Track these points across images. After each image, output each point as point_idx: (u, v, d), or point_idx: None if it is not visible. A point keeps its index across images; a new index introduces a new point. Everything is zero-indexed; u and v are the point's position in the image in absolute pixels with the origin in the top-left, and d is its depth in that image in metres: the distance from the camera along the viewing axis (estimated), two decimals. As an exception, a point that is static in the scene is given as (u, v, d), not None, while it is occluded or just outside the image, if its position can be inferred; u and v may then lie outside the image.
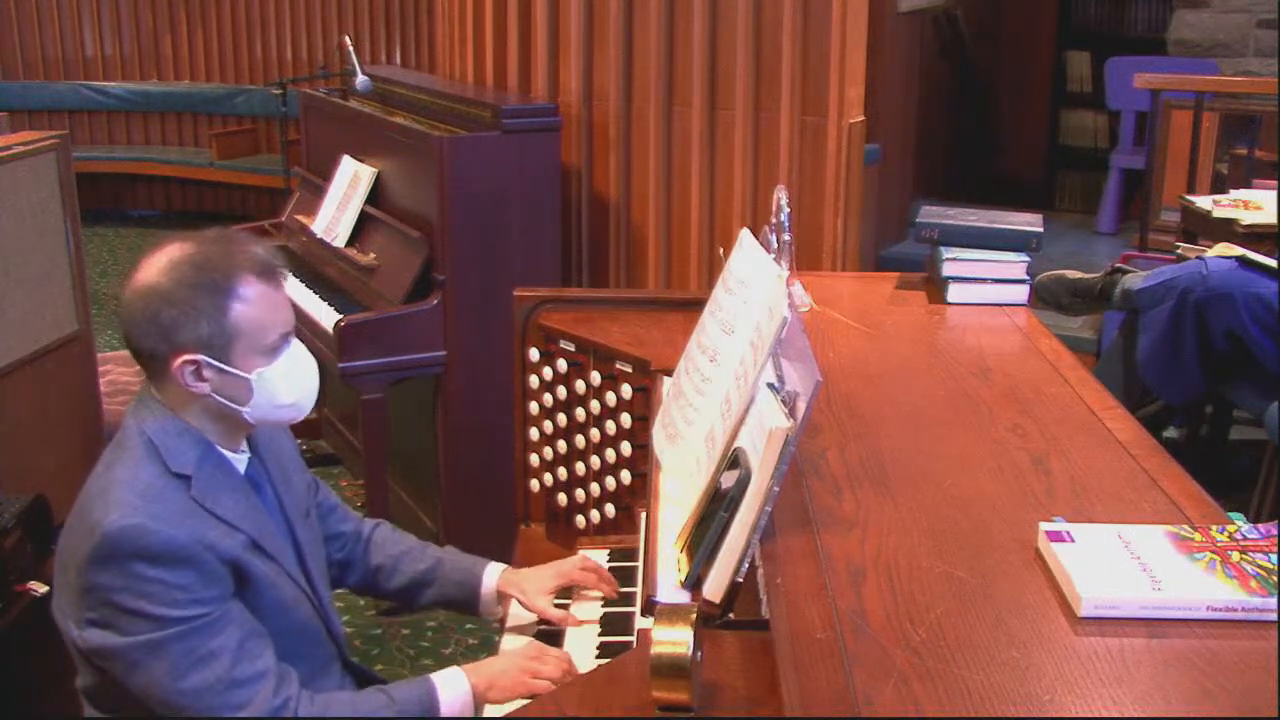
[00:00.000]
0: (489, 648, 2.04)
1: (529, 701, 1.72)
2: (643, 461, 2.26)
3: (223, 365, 1.67)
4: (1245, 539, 1.37)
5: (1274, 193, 3.78)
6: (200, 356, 1.65)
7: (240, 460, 1.77)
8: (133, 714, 1.70)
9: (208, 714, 1.61)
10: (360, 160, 3.79)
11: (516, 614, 2.03)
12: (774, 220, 2.16)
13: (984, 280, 2.44)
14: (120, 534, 1.57)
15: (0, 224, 2.95)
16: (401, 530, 2.12)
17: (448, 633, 3.31)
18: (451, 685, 1.76)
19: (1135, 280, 3.43)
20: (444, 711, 1.74)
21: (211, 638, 1.61)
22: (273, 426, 1.83)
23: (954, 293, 2.44)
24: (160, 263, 1.67)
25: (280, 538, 1.78)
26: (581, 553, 2.12)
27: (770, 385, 1.58)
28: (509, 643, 1.97)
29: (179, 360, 1.65)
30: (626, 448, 2.33)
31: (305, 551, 1.83)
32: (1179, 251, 3.86)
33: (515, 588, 1.99)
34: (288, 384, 1.72)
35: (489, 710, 1.78)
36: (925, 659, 1.18)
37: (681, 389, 1.88)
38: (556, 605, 1.98)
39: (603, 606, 2.00)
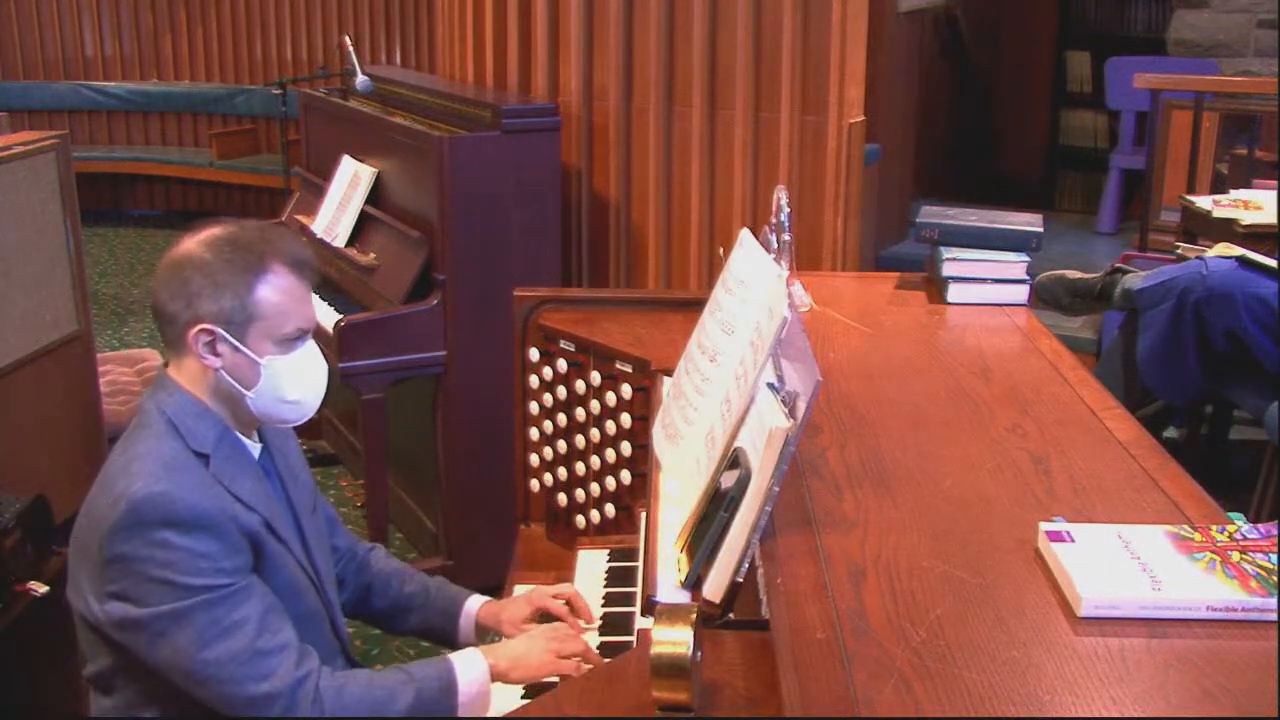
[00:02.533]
0: (489, 647, 2.03)
1: (529, 701, 1.72)
2: (643, 461, 2.26)
3: (236, 342, 1.70)
4: (1245, 539, 1.37)
5: (1274, 193, 3.78)
6: (217, 329, 1.69)
7: (254, 447, 1.81)
8: (143, 700, 1.70)
9: (231, 684, 1.62)
10: (360, 160, 3.79)
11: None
12: (774, 220, 2.16)
13: (984, 280, 2.44)
14: (146, 500, 1.60)
15: (0, 224, 2.94)
16: (395, 558, 2.14)
17: (448, 633, 3.30)
18: (470, 665, 1.77)
19: (1135, 280, 3.42)
20: (462, 690, 1.75)
21: (235, 609, 1.63)
22: (276, 424, 1.84)
23: (954, 293, 2.44)
24: (201, 235, 1.73)
25: (290, 527, 1.80)
26: (560, 585, 2.03)
27: (770, 385, 1.58)
28: None
29: (196, 328, 1.69)
30: (626, 448, 2.33)
31: (311, 545, 1.85)
32: (1179, 251, 3.86)
33: (493, 619, 2.00)
34: (296, 379, 1.75)
35: (489, 710, 1.78)
36: (925, 659, 1.18)
37: (681, 389, 1.88)
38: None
39: (602, 606, 2.00)
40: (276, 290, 1.71)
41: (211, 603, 1.61)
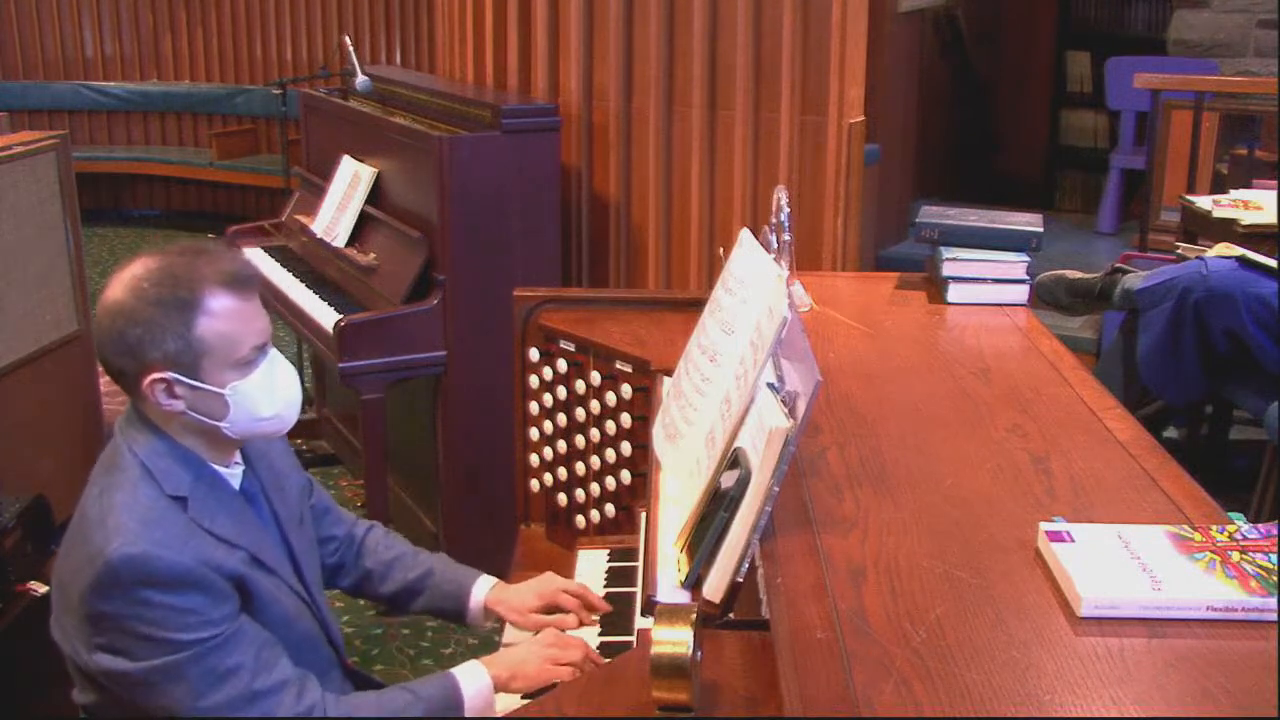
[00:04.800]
0: (490, 648, 2.04)
1: (529, 701, 1.72)
2: (643, 461, 2.26)
3: (193, 382, 1.62)
4: (1245, 539, 1.37)
5: (1274, 193, 3.77)
6: (169, 374, 1.61)
7: (234, 475, 1.75)
8: None
9: None
10: (360, 160, 3.79)
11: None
12: (774, 220, 2.16)
13: (984, 280, 2.44)
14: (124, 563, 1.55)
15: (0, 224, 2.95)
16: (395, 534, 2.11)
17: (448, 633, 3.31)
18: (473, 678, 1.76)
19: (1135, 280, 3.42)
20: (467, 704, 1.74)
21: (228, 655, 1.60)
22: (259, 440, 1.78)
23: (954, 293, 2.44)
24: (126, 279, 1.63)
25: (277, 550, 1.77)
26: (574, 581, 2.06)
27: (770, 385, 1.58)
28: (510, 635, 1.97)
29: (149, 379, 1.62)
30: (626, 448, 2.33)
31: (301, 561, 1.82)
32: (1179, 251, 3.86)
33: (501, 604, 1.98)
34: (265, 396, 1.68)
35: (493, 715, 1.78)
36: (925, 659, 1.18)
37: (681, 389, 1.88)
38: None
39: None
40: (218, 319, 1.61)
41: (202, 655, 1.58)
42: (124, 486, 1.62)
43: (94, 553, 1.57)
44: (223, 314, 1.62)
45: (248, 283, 1.66)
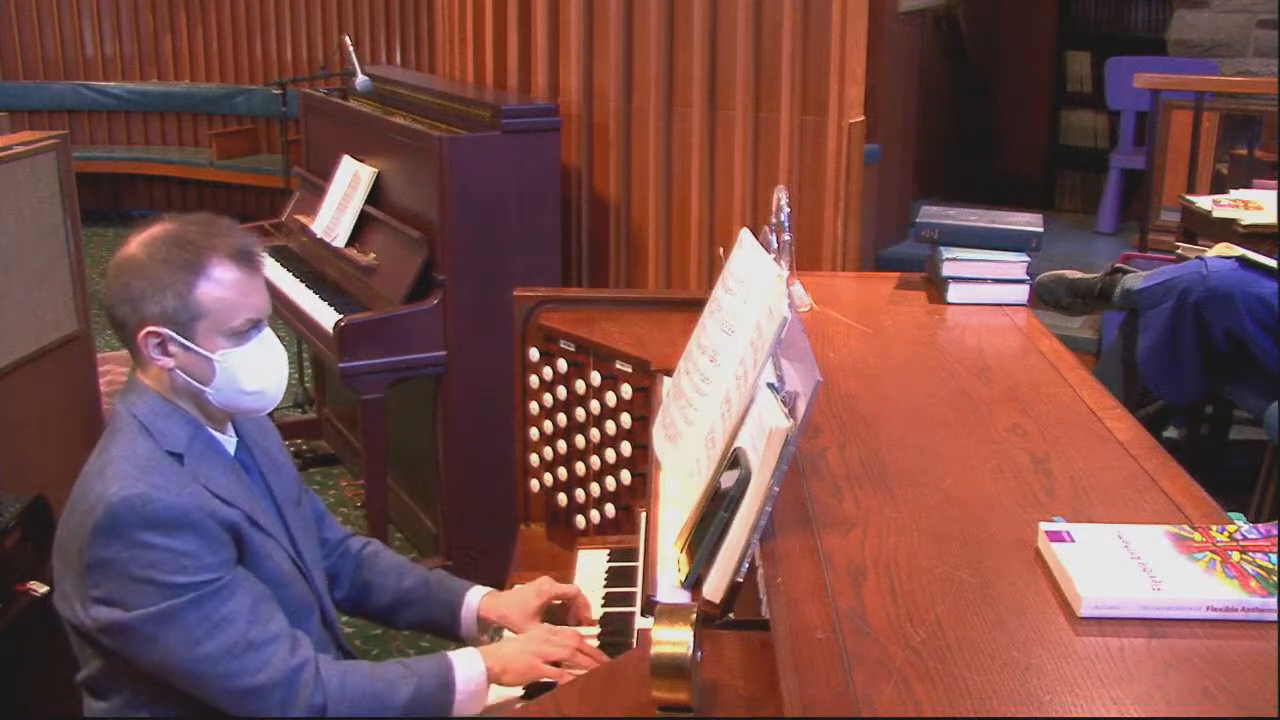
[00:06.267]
0: (490, 649, 2.03)
1: (529, 702, 1.73)
2: (643, 461, 2.26)
3: (185, 341, 1.69)
4: (1245, 539, 1.37)
5: (1274, 193, 3.77)
6: (164, 330, 1.69)
7: (228, 442, 1.80)
8: (135, 703, 1.70)
9: (227, 679, 1.63)
10: (360, 160, 3.79)
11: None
12: (774, 220, 2.16)
13: (984, 280, 2.44)
14: (124, 504, 1.59)
15: (0, 224, 2.95)
16: (392, 551, 2.13)
17: (448, 633, 3.31)
18: (467, 664, 1.77)
19: (1135, 280, 3.42)
20: (459, 688, 1.75)
21: (223, 603, 1.63)
22: (243, 415, 1.83)
23: (954, 293, 2.44)
24: (144, 237, 1.72)
25: (272, 518, 1.80)
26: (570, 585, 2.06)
27: (770, 385, 1.59)
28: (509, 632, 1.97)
29: (144, 331, 1.69)
30: (626, 448, 2.33)
31: (296, 536, 1.84)
32: (1179, 251, 3.86)
33: (496, 611, 1.98)
34: (252, 370, 1.74)
35: (489, 707, 1.78)
36: (925, 659, 1.18)
37: (681, 389, 1.88)
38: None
39: (603, 606, 1.99)
40: (219, 285, 1.69)
41: (199, 600, 1.61)
42: (121, 442, 1.68)
43: (94, 500, 1.61)
44: (224, 282, 1.70)
45: (253, 259, 1.74)
